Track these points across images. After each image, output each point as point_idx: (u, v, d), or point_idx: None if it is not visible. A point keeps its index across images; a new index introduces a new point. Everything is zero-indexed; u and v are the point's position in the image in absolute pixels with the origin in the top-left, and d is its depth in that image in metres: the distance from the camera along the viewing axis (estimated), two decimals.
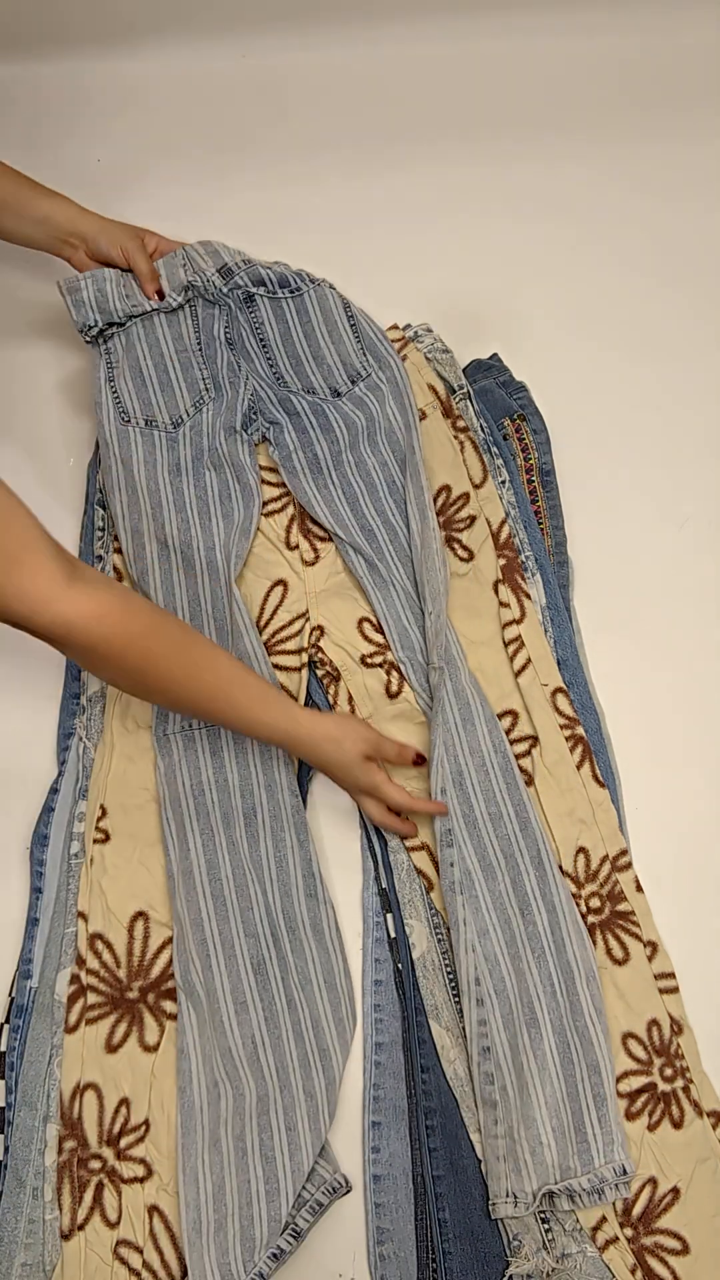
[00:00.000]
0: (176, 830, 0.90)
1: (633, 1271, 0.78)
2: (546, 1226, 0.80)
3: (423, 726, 0.94)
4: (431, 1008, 0.87)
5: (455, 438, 1.01)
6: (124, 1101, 0.83)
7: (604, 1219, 0.79)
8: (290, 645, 0.96)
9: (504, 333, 1.11)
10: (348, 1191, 0.82)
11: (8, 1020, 0.87)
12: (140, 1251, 0.80)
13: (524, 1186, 0.79)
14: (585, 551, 1.03)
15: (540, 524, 1.02)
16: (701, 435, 1.09)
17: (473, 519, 0.99)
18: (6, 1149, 0.83)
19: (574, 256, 1.17)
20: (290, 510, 1.00)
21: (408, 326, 1.06)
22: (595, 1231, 0.79)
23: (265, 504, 1.00)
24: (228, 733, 0.91)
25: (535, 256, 1.17)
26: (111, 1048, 0.84)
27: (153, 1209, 0.81)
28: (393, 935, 0.90)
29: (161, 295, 1.03)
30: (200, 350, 1.03)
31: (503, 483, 1.00)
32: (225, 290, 1.02)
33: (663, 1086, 0.83)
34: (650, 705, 0.98)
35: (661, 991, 0.86)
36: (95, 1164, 0.82)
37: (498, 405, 1.04)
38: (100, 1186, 0.81)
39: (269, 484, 1.01)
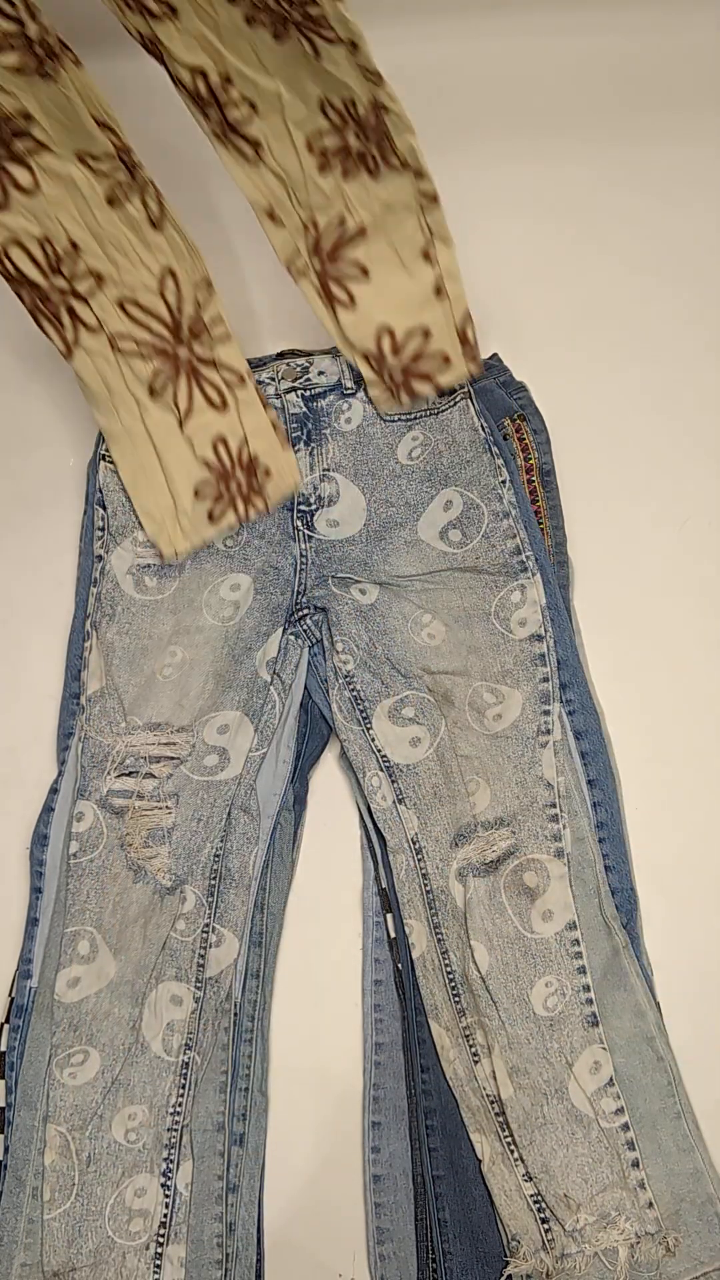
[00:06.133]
0: None
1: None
2: (546, 1226, 0.80)
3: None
4: (431, 1008, 0.87)
5: None
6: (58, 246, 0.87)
7: None
8: None
9: (504, 333, 1.11)
10: None
11: (8, 1020, 0.87)
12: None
13: None
14: (585, 551, 1.03)
15: (540, 524, 1.02)
16: (702, 435, 1.08)
17: None
18: (6, 1149, 0.83)
19: (574, 256, 1.17)
20: None
21: None
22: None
23: None
24: None
25: (535, 256, 1.17)
26: None
27: (121, 301, 0.88)
28: (393, 935, 0.90)
29: None
30: None
31: (503, 483, 1.00)
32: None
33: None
34: (650, 705, 0.98)
35: None
36: (55, 296, 0.87)
37: (498, 405, 1.04)
38: (70, 310, 0.88)
39: None
